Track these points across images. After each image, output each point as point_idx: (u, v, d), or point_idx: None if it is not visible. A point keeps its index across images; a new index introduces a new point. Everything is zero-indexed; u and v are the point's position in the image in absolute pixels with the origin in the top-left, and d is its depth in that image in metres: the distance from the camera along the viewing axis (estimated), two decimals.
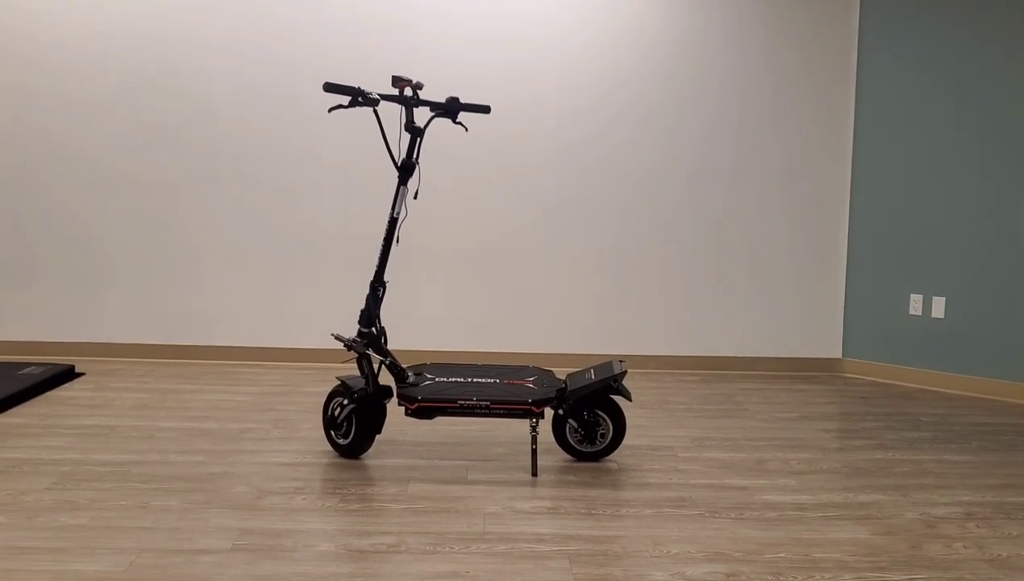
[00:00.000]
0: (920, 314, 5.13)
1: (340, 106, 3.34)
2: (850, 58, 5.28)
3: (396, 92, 3.48)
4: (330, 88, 3.25)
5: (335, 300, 5.25)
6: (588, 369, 3.60)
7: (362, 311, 3.45)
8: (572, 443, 3.54)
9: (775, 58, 5.25)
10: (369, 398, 3.41)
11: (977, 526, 2.97)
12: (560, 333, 5.37)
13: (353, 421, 3.44)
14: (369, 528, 2.81)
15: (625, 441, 3.84)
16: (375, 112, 3.41)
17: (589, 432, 3.51)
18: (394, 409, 4.20)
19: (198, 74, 5.10)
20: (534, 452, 3.37)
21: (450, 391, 3.41)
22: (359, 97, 3.31)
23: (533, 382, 3.58)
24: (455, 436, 3.87)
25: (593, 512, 3.01)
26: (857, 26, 5.26)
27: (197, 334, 5.25)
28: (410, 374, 3.60)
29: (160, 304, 5.21)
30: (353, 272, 5.23)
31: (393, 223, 3.45)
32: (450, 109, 3.52)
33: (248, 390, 4.58)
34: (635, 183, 5.30)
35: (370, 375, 3.44)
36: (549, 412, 4.11)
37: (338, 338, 3.51)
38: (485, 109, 3.60)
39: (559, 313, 5.35)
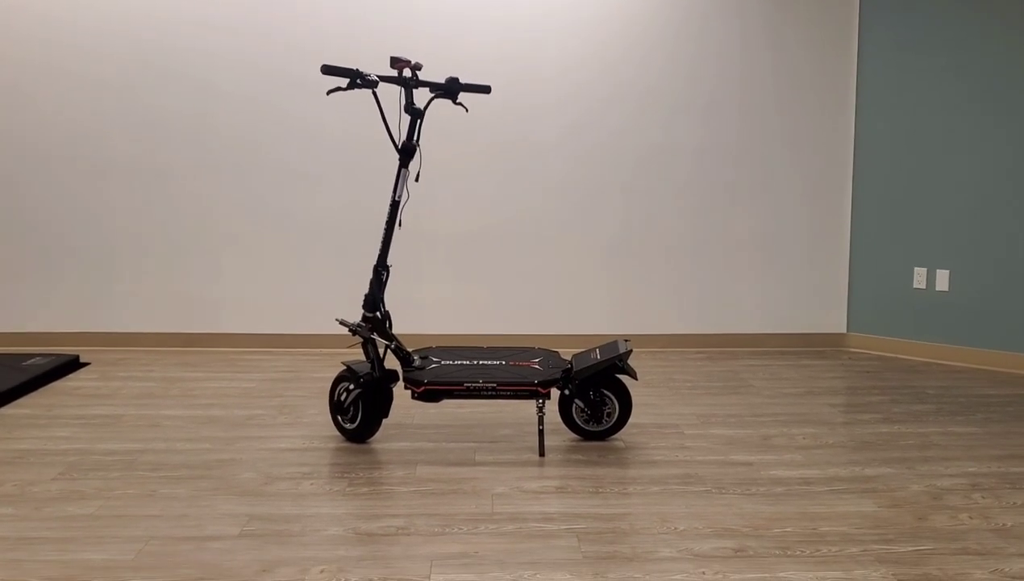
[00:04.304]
0: (924, 287, 5.12)
1: (339, 88, 3.33)
2: (851, 34, 5.24)
3: (395, 73, 3.46)
4: (328, 70, 3.23)
5: (339, 285, 5.25)
6: (593, 349, 3.60)
7: (366, 296, 3.44)
8: (579, 423, 3.55)
9: (775, 35, 5.22)
10: (375, 382, 3.41)
11: (982, 497, 2.98)
12: (565, 314, 5.36)
13: (360, 405, 3.45)
14: (377, 511, 2.82)
15: (631, 419, 3.85)
16: (374, 94, 3.38)
17: (595, 412, 3.51)
18: (400, 393, 4.21)
19: (197, 60, 5.08)
20: (541, 432, 3.37)
21: (456, 374, 3.41)
22: (357, 79, 3.29)
23: (539, 363, 3.58)
24: (462, 418, 3.87)
25: (600, 490, 3.01)
26: (858, 2, 5.24)
27: (201, 322, 5.25)
28: (416, 358, 3.60)
29: (164, 292, 5.22)
30: (357, 257, 5.23)
31: (395, 207, 3.44)
32: (450, 90, 3.50)
33: (254, 376, 4.59)
34: (637, 162, 5.28)
35: (375, 359, 3.44)
36: (555, 393, 4.12)
37: (343, 323, 3.51)
38: (485, 89, 3.58)
39: (564, 294, 5.35)
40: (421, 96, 5.08)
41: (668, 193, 5.31)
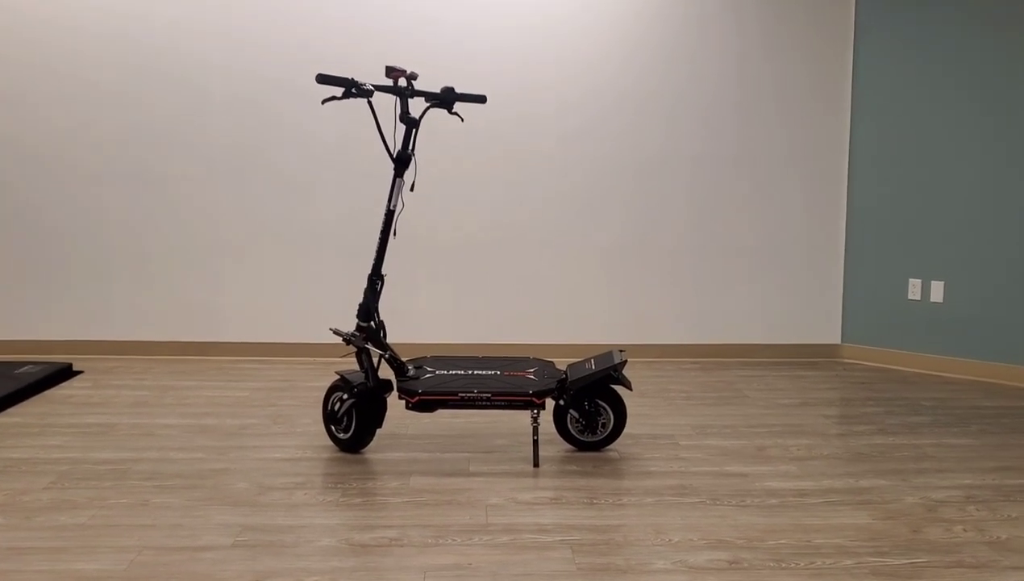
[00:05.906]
0: (919, 298, 5.13)
1: (334, 98, 3.32)
2: (847, 42, 5.26)
3: (390, 83, 3.46)
4: (323, 80, 3.23)
5: (334, 294, 5.24)
6: (588, 359, 3.59)
7: (360, 305, 3.44)
8: (573, 433, 3.54)
9: (772, 43, 5.24)
10: (369, 392, 3.40)
11: (977, 509, 2.98)
12: (560, 323, 5.36)
13: (353, 415, 3.43)
14: (371, 522, 2.80)
15: (626, 430, 3.84)
16: (369, 103, 3.38)
17: (590, 422, 3.51)
18: (394, 403, 4.20)
19: (195, 68, 5.07)
20: (535, 443, 3.36)
21: (451, 384, 3.40)
22: (353, 88, 3.29)
23: (534, 373, 3.58)
24: (456, 429, 3.86)
25: (595, 501, 3.00)
26: (853, 9, 5.25)
27: (195, 330, 5.24)
28: (410, 367, 3.59)
29: (158, 301, 5.20)
30: (352, 266, 5.22)
31: (390, 216, 3.43)
32: (445, 99, 3.49)
33: (248, 386, 4.58)
34: (633, 173, 5.28)
35: (369, 369, 3.43)
36: (550, 403, 4.11)
37: (336, 332, 3.50)
38: (481, 99, 3.58)
39: (559, 304, 5.34)
40: (417, 106, 5.12)
41: (664, 203, 5.32)
